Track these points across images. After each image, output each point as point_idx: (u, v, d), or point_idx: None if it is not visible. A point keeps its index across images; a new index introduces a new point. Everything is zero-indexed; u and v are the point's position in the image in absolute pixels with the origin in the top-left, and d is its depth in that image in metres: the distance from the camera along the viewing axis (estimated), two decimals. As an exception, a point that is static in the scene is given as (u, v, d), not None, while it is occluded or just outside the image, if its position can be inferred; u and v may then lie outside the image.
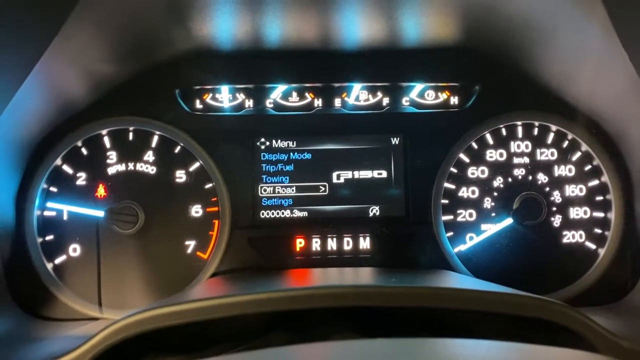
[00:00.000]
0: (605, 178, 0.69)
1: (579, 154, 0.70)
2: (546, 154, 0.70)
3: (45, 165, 0.64)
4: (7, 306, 0.60)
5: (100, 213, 0.64)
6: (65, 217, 0.65)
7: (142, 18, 0.55)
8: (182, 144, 0.67)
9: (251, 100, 0.69)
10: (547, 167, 0.70)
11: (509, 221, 0.68)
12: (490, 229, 0.68)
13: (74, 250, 0.65)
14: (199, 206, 0.66)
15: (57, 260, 0.64)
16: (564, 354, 0.36)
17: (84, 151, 0.66)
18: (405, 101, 0.70)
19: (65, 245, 0.65)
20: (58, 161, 0.65)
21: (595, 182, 0.69)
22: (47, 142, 0.65)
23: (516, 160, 0.70)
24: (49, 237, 0.64)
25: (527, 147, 0.70)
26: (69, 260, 0.65)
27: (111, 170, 0.66)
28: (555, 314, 0.43)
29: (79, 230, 0.65)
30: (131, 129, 0.66)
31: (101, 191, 0.66)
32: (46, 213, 0.65)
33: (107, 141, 0.66)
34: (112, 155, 0.66)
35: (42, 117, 0.62)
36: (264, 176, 0.68)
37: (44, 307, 0.63)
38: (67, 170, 0.65)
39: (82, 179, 0.65)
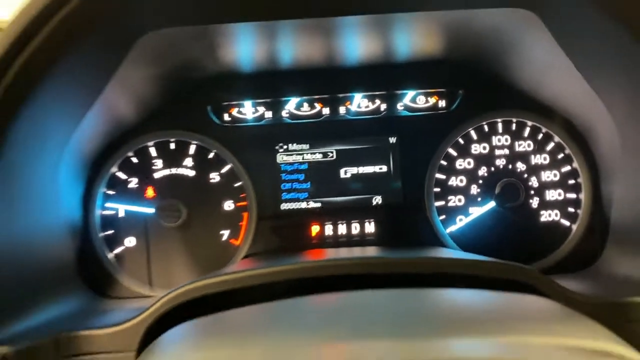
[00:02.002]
0: (575, 164, 0.79)
1: (552, 144, 0.80)
2: (523, 146, 0.80)
3: (104, 173, 0.77)
4: (79, 288, 0.73)
5: (150, 210, 0.77)
6: (121, 215, 0.77)
7: (182, 51, 0.68)
8: (214, 151, 0.79)
9: (270, 112, 0.81)
10: (524, 156, 0.79)
11: (492, 204, 0.78)
12: (476, 212, 0.78)
13: (129, 241, 0.77)
14: (231, 201, 0.79)
15: (116, 250, 0.76)
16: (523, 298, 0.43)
17: (135, 160, 0.78)
18: (400, 106, 0.81)
19: (122, 237, 0.77)
20: (114, 169, 0.77)
21: (567, 168, 0.79)
22: (105, 154, 0.77)
23: (497, 152, 0.79)
24: (109, 232, 0.77)
25: (506, 140, 0.80)
26: (125, 250, 0.77)
27: (157, 175, 0.78)
28: (520, 274, 0.53)
29: (133, 225, 0.77)
30: (172, 140, 0.78)
31: (150, 192, 0.78)
32: (106, 212, 0.77)
33: (152, 151, 0.78)
34: (158, 163, 0.78)
35: (101, 135, 0.75)
36: (283, 174, 0.79)
37: (107, 288, 0.76)
38: (121, 176, 0.78)
39: (133, 183, 0.78)
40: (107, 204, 0.77)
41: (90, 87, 0.64)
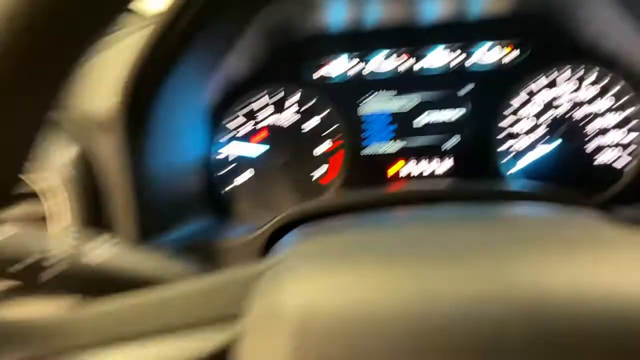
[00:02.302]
0: (635, 108, 0.87)
1: (613, 91, 0.87)
2: (586, 93, 0.87)
3: (221, 122, 0.92)
4: (204, 214, 0.91)
5: (258, 152, 0.92)
6: (234, 157, 0.93)
7: (289, 17, 0.82)
8: (311, 101, 0.92)
9: (358, 66, 0.92)
10: (587, 103, 0.87)
11: (554, 146, 0.87)
12: (538, 154, 0.88)
13: (243, 178, 0.94)
14: (324, 145, 0.92)
15: (231, 186, 0.92)
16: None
17: (245, 110, 0.92)
18: (473, 60, 0.90)
19: (235, 175, 0.92)
20: (229, 119, 0.92)
21: (627, 112, 0.87)
22: (222, 106, 0.92)
23: (561, 100, 0.87)
24: (225, 170, 0.93)
25: (570, 88, 0.87)
26: (240, 185, 0.93)
27: (264, 123, 0.93)
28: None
29: (246, 165, 0.92)
30: (276, 92, 0.92)
31: (258, 137, 0.94)
32: (225, 152, 0.92)
33: (260, 103, 0.92)
34: (265, 112, 0.92)
35: (220, 91, 0.90)
36: (369, 120, 0.92)
37: (225, 215, 0.94)
38: (237, 123, 0.93)
39: (245, 130, 0.94)
40: (224, 148, 0.93)
41: (218, 52, 0.79)
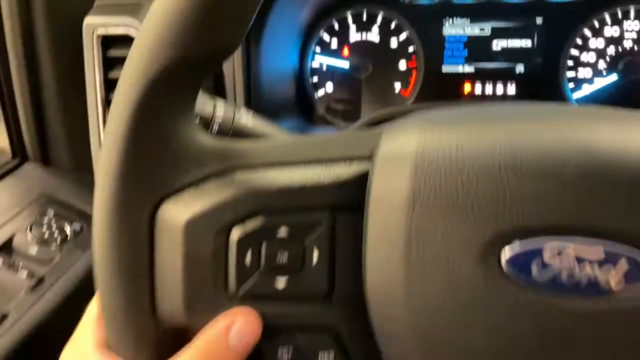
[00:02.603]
0: None
1: None
2: None
3: (314, 37, 1.03)
4: (297, 116, 1.05)
5: (345, 65, 1.04)
6: (324, 68, 1.04)
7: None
8: (395, 21, 1.01)
9: None
10: None
11: (614, 77, 0.97)
12: (601, 83, 0.97)
13: (329, 87, 1.05)
14: (404, 62, 1.03)
15: (320, 93, 1.05)
16: None
17: (336, 27, 1.02)
18: None
19: (324, 83, 1.04)
20: (321, 33, 1.03)
21: None
22: (315, 23, 1.02)
23: (625, 35, 0.95)
24: (316, 79, 1.06)
25: (635, 25, 0.97)
26: (326, 93, 1.04)
27: (352, 39, 1.03)
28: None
29: (332, 76, 1.03)
30: (364, 12, 1.01)
31: (346, 52, 1.05)
32: (314, 65, 1.04)
33: (349, 21, 1.02)
34: (352, 29, 1.03)
35: (313, 9, 1.00)
36: (447, 43, 1.00)
37: (314, 118, 1.07)
38: (326, 39, 1.03)
39: (334, 44, 1.04)
40: (315, 59, 1.06)
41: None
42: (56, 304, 0.82)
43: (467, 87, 1.03)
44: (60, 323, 0.75)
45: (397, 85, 1.05)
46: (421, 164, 0.34)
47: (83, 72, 0.84)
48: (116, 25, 0.77)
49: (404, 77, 1.04)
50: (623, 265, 0.31)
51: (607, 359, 0.33)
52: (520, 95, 1.01)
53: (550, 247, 0.32)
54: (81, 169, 1.04)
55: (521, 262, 0.32)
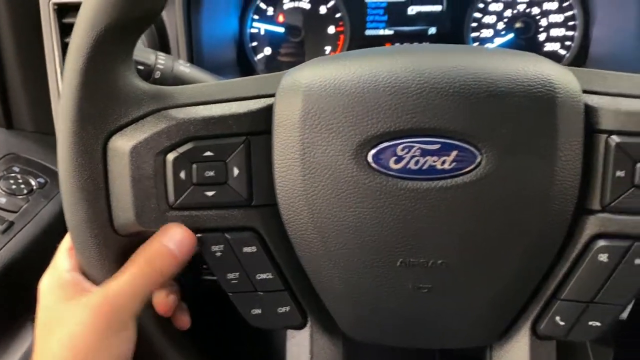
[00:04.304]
0: (574, 11, 1.11)
1: None
2: None
3: (252, 5, 1.14)
4: (237, 75, 1.17)
5: (281, 30, 1.15)
6: (262, 33, 1.15)
7: None
8: None
9: None
10: (539, 3, 1.09)
11: (511, 35, 1.13)
12: (499, 41, 1.12)
13: (267, 50, 1.16)
14: (332, 27, 1.13)
15: (259, 56, 1.16)
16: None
17: None
18: None
19: (262, 47, 1.14)
20: (258, 2, 1.14)
21: (568, 13, 1.10)
22: None
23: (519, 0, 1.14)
24: (255, 43, 1.17)
25: None
26: (264, 55, 1.16)
27: (286, 7, 1.13)
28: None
29: (269, 40, 1.14)
30: None
31: (281, 18, 1.16)
32: (253, 30, 1.13)
33: None
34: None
35: None
36: (369, 9, 1.11)
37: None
38: (263, 7, 1.12)
39: (270, 11, 1.15)
40: (254, 24, 1.17)
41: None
42: (26, 244, 0.93)
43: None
44: (32, 261, 0.83)
45: (328, 48, 1.18)
46: (309, 92, 0.44)
47: (42, 39, 0.94)
48: (69, -3, 0.87)
49: (333, 40, 1.17)
50: (454, 153, 0.44)
51: (445, 223, 0.44)
52: (432, 54, 1.16)
53: (402, 145, 0.43)
54: (43, 131, 1.14)
55: (382, 158, 0.43)
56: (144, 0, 0.44)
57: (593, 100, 0.45)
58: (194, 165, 0.46)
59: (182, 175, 0.46)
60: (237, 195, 0.47)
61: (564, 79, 0.44)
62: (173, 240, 0.46)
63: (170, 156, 0.46)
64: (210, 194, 0.47)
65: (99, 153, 0.46)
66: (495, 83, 0.43)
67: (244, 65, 1.17)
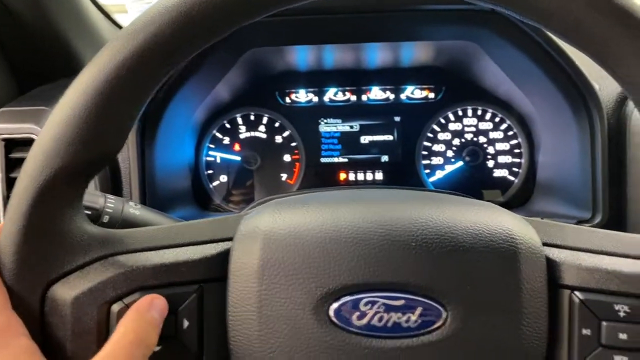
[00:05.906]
0: (519, 139, 1.16)
1: (504, 125, 1.15)
2: (485, 125, 1.15)
3: (208, 134, 1.16)
4: (192, 205, 1.15)
5: (237, 158, 1.18)
6: (218, 161, 1.17)
7: (262, 58, 1.09)
8: (279, 121, 1.16)
9: (316, 97, 1.16)
10: (485, 132, 1.15)
11: (460, 163, 1.17)
12: (450, 168, 1.16)
13: (223, 178, 1.17)
14: (288, 155, 1.18)
15: (214, 183, 1.16)
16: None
17: (227, 126, 1.14)
18: (402, 96, 1.15)
19: (218, 175, 1.15)
20: (214, 131, 1.18)
21: (513, 141, 1.15)
22: (209, 122, 1.15)
23: (466, 129, 1.14)
24: (210, 171, 1.17)
25: (473, 121, 1.14)
26: (220, 183, 1.16)
27: (242, 136, 1.17)
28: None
29: (225, 168, 1.15)
30: (252, 113, 1.15)
31: (237, 147, 1.19)
32: (209, 159, 1.17)
33: (239, 120, 1.15)
34: (242, 128, 1.16)
35: (207, 110, 1.13)
36: (323, 139, 1.15)
37: (209, 206, 1.18)
38: (219, 136, 1.17)
39: (227, 140, 1.18)
40: (210, 153, 1.18)
41: (209, 84, 1.05)
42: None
43: (342, 175, 1.19)
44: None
45: (284, 176, 1.19)
46: (268, 240, 0.42)
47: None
48: (18, 133, 0.86)
49: (289, 168, 1.19)
50: (418, 310, 0.41)
51: None
52: (386, 181, 1.18)
53: (365, 300, 0.40)
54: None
55: (343, 313, 0.40)
56: (101, 143, 0.41)
57: (554, 253, 0.44)
58: None
59: None
60: (186, 350, 0.43)
61: (525, 231, 0.44)
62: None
63: (116, 307, 0.42)
64: (157, 349, 0.42)
65: (37, 303, 0.42)
66: (457, 237, 0.42)
67: (199, 194, 1.16)
